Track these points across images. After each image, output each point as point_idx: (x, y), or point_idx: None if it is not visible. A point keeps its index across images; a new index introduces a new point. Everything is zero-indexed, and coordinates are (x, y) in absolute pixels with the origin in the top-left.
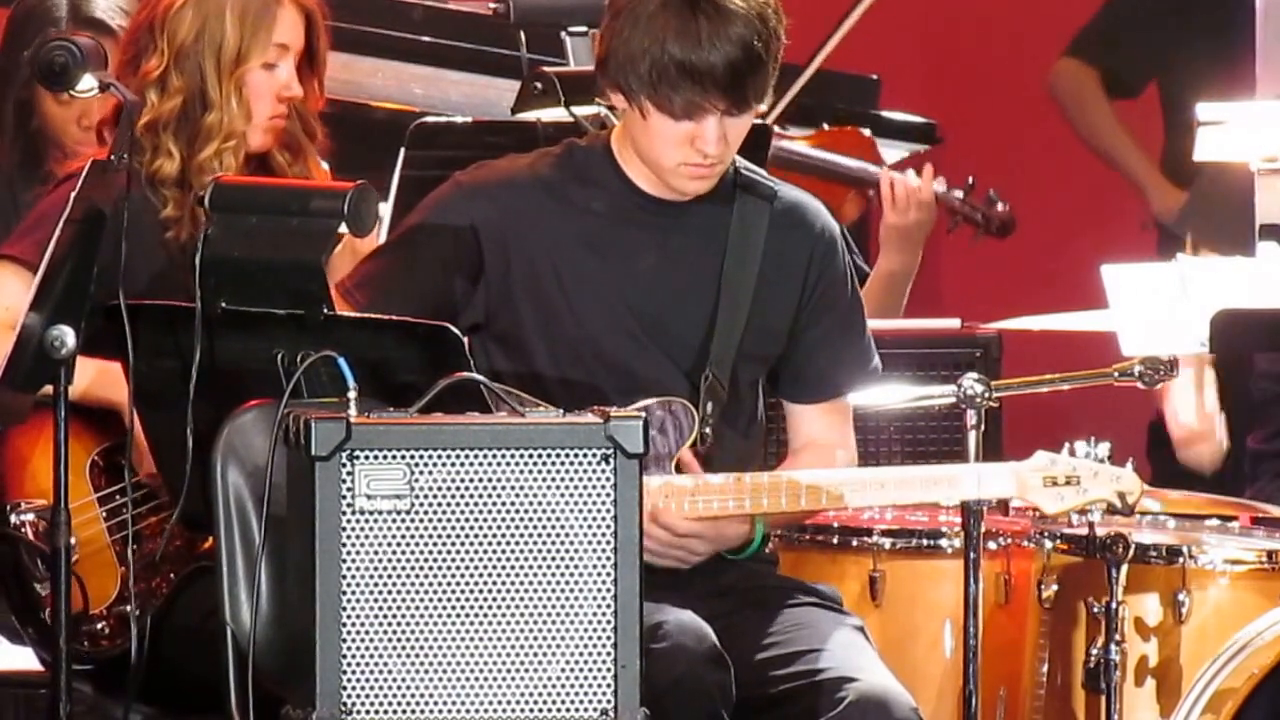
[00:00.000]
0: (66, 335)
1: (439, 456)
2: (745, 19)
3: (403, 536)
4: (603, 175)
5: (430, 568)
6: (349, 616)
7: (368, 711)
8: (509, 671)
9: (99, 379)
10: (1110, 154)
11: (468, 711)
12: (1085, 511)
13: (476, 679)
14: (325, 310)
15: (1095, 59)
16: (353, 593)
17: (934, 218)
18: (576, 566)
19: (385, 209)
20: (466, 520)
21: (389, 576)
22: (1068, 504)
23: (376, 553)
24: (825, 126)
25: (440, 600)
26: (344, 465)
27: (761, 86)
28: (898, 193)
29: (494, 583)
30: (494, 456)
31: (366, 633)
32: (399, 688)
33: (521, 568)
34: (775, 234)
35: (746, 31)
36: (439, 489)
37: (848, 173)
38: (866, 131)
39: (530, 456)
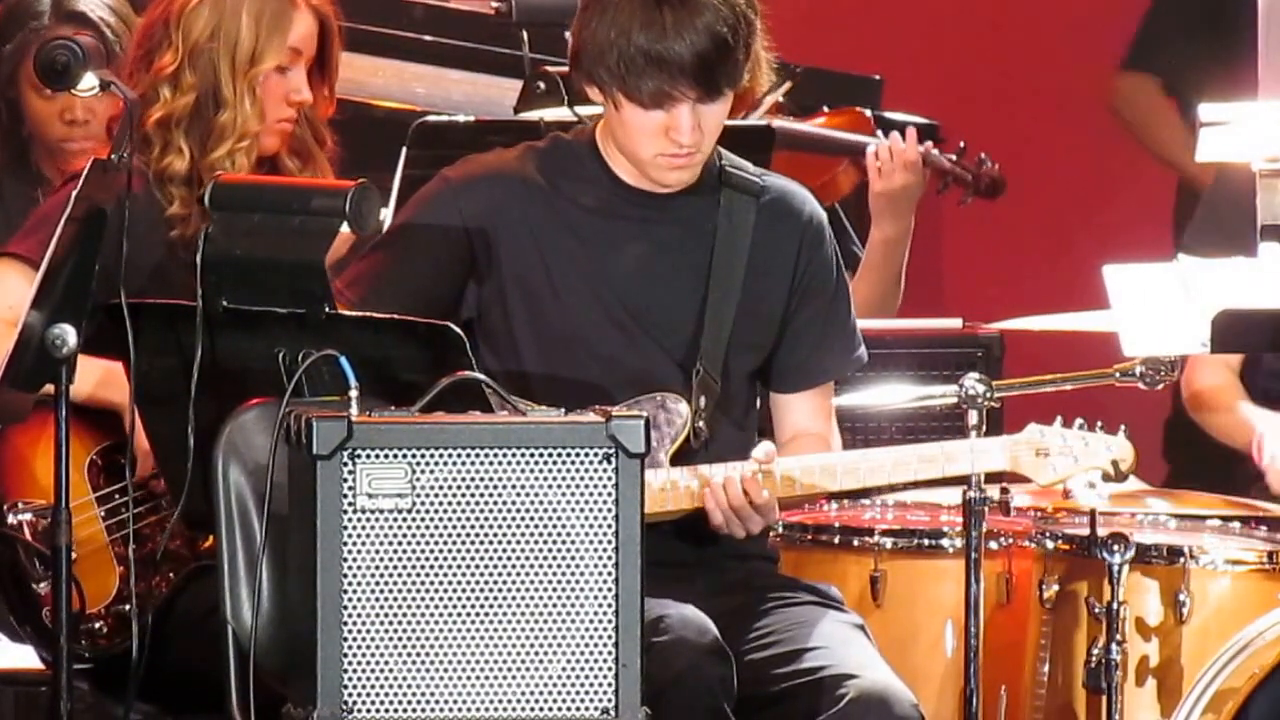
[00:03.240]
0: (67, 334)
1: (440, 455)
2: (712, 6)
3: (404, 535)
4: (588, 169)
5: (432, 567)
6: (350, 615)
7: (369, 710)
8: (510, 670)
9: (104, 379)
10: (1185, 168)
11: (469, 710)
12: (1081, 512)
13: (478, 677)
14: (327, 309)
15: (1155, 67)
16: (354, 591)
17: (922, 181)
18: (578, 565)
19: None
20: (468, 519)
21: (390, 575)
22: (1061, 474)
23: (378, 551)
24: (826, 110)
25: (442, 599)
26: (345, 464)
27: (733, 73)
28: (882, 156)
29: (495, 581)
30: (495, 456)
31: (368, 631)
32: (400, 686)
33: (523, 567)
34: (763, 224)
35: (713, 18)
36: (440, 488)
37: (840, 143)
38: (867, 112)
39: (532, 456)
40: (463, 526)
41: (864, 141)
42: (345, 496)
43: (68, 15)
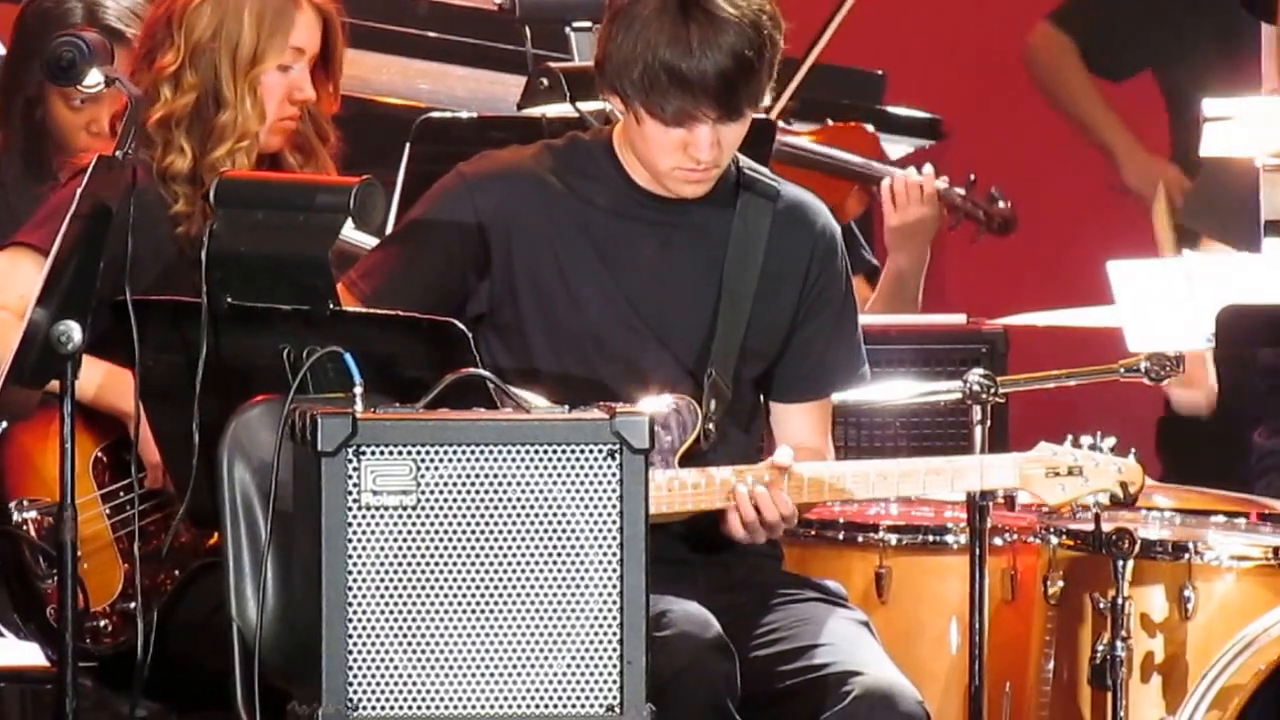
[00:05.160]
0: (73, 330)
1: (445, 452)
2: (737, 27)
3: (409, 532)
4: (604, 170)
5: (436, 563)
6: (355, 612)
7: (374, 706)
8: (515, 667)
9: (107, 383)
10: (1083, 120)
11: (473, 706)
12: (1087, 508)
13: (482, 674)
14: (331, 305)
15: (1073, 30)
16: (359, 588)
17: (937, 214)
18: (582, 562)
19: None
20: (472, 516)
21: (395, 572)
22: (1070, 494)
23: (382, 548)
24: (829, 122)
25: (446, 596)
26: (350, 461)
27: (754, 94)
28: (898, 190)
29: (500, 578)
30: (500, 452)
31: (373, 628)
32: (405, 683)
33: (527, 563)
34: (777, 232)
35: (738, 40)
36: (445, 484)
37: (851, 168)
38: (870, 128)
39: (536, 452)
40: (467, 523)
41: (875, 170)
42: (350, 493)
43: (100, 28)
